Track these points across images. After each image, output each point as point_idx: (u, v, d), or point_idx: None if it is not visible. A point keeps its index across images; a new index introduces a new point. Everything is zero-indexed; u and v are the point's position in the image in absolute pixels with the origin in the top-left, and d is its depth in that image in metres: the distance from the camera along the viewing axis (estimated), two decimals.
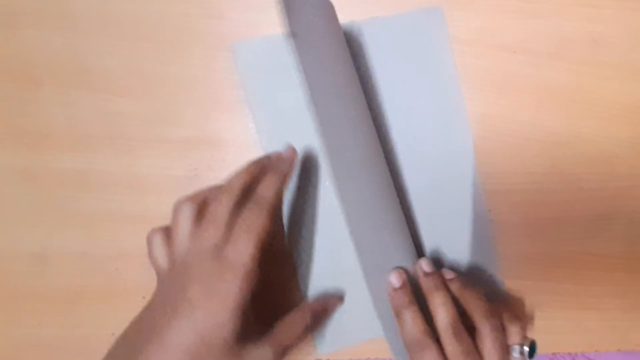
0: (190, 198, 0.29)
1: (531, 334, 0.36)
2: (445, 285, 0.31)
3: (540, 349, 0.36)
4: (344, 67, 0.32)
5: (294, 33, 0.29)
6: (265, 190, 0.29)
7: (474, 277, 0.35)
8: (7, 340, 0.37)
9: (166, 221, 0.36)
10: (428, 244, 0.35)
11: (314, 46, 0.31)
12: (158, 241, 0.30)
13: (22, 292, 0.37)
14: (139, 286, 0.37)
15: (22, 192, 0.36)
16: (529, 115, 0.34)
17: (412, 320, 0.29)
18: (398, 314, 0.30)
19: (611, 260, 0.35)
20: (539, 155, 0.34)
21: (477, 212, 0.35)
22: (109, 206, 0.36)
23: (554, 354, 0.37)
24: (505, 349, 0.29)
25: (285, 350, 0.28)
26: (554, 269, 0.35)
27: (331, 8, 0.32)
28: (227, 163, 0.36)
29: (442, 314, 0.29)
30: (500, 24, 0.34)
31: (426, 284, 0.31)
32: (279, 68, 0.34)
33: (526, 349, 0.29)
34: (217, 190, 0.29)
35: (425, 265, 0.32)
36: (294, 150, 0.32)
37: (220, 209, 0.28)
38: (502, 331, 0.29)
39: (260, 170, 0.30)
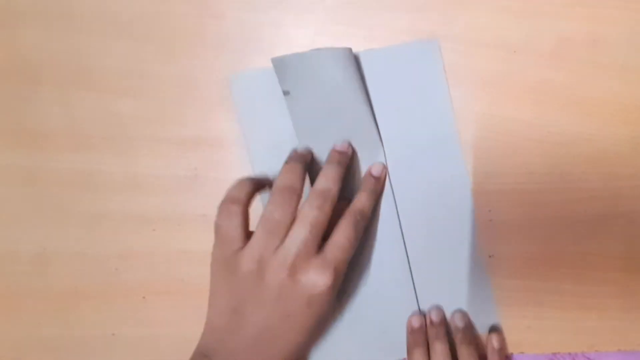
0: (289, 193, 0.29)
1: (531, 334, 0.36)
2: (446, 336, 0.34)
3: (540, 349, 0.37)
4: (347, 117, 0.33)
5: (286, 92, 0.32)
6: (365, 205, 0.32)
7: (462, 306, 0.36)
8: (7, 340, 0.37)
9: (166, 221, 0.36)
10: (422, 276, 0.35)
11: (310, 102, 0.33)
12: (238, 215, 0.30)
13: (22, 292, 0.37)
14: (139, 286, 0.37)
15: (22, 192, 0.36)
16: (530, 115, 0.34)
17: (441, 353, 0.33)
18: (410, 350, 0.34)
19: (611, 260, 0.35)
20: (539, 155, 0.34)
21: (472, 244, 0.35)
22: (109, 206, 0.36)
23: (554, 354, 0.37)
24: None
25: (337, 266, 0.29)
26: (554, 269, 0.35)
27: (345, 56, 0.32)
28: (227, 163, 0.36)
29: None
30: (500, 24, 0.34)
31: (430, 332, 0.35)
32: (275, 100, 0.34)
33: None
34: (315, 199, 0.29)
35: (434, 315, 0.35)
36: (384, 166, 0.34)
37: (320, 216, 0.29)
38: None
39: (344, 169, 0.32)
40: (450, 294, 0.36)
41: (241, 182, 0.31)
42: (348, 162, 0.33)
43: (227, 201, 0.30)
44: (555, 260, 0.35)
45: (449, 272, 0.35)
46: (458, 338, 0.34)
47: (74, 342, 0.37)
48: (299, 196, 0.30)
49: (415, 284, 0.36)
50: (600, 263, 0.35)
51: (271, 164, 0.35)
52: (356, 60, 0.33)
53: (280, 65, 0.32)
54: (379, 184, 0.34)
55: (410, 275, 0.35)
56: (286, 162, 0.32)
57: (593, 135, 0.34)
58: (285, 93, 0.32)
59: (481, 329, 0.36)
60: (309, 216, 0.28)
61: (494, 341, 0.35)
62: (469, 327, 0.35)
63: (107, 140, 0.36)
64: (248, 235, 0.30)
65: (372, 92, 0.34)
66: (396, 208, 0.35)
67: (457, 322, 0.35)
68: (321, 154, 0.34)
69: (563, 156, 0.34)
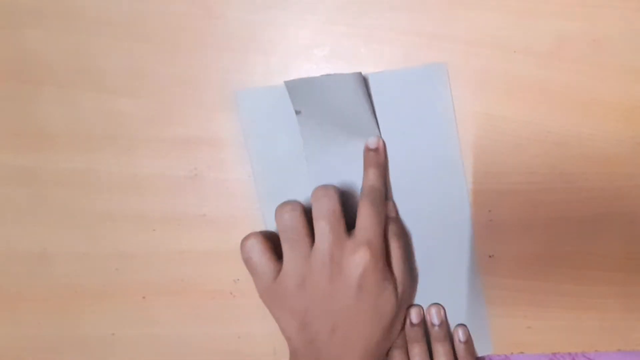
0: (290, 204, 0.30)
1: (531, 334, 0.36)
2: (449, 337, 0.35)
3: (540, 349, 0.37)
4: (355, 137, 0.34)
5: (298, 111, 0.33)
6: (373, 180, 0.32)
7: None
8: (7, 340, 0.37)
9: (166, 221, 0.36)
10: (419, 292, 0.36)
11: (320, 122, 0.33)
12: (258, 247, 0.31)
13: (22, 292, 0.37)
14: (139, 286, 0.37)
15: (22, 192, 0.36)
16: (530, 115, 0.34)
17: (419, 355, 0.34)
18: (410, 346, 0.34)
19: (611, 260, 0.35)
20: (539, 155, 0.34)
21: (470, 269, 0.35)
22: (109, 206, 0.36)
23: (554, 354, 0.37)
24: None
25: (370, 243, 0.29)
26: (554, 269, 0.35)
27: (355, 81, 0.32)
28: (227, 163, 0.36)
29: None
30: (500, 24, 0.34)
31: (433, 334, 0.35)
32: (282, 117, 0.34)
33: None
34: (319, 192, 0.30)
35: (435, 317, 0.35)
36: (379, 138, 0.34)
37: (329, 203, 0.30)
38: None
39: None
40: (446, 296, 0.36)
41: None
42: None
43: (244, 238, 0.31)
44: (555, 260, 0.35)
45: (445, 292, 0.36)
46: (433, 335, 0.35)
47: (74, 342, 0.37)
48: (302, 205, 0.30)
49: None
50: (600, 263, 0.35)
51: (274, 181, 0.35)
52: (365, 82, 0.33)
53: (293, 87, 0.32)
54: (379, 156, 0.34)
55: None
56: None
57: (593, 135, 0.34)
58: (297, 112, 0.33)
59: (472, 329, 0.36)
60: (321, 208, 0.29)
61: (460, 334, 0.35)
62: (444, 324, 0.35)
63: (107, 140, 0.36)
64: (276, 253, 0.31)
65: (379, 113, 0.34)
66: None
67: (434, 319, 0.35)
68: (328, 170, 0.34)
69: (563, 156, 0.34)
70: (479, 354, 0.36)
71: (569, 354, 0.37)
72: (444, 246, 0.35)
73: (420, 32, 0.34)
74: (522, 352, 0.37)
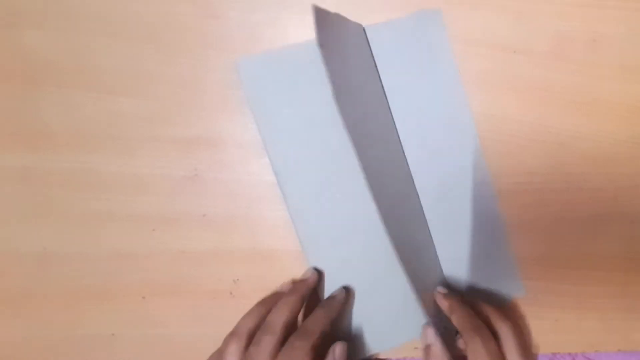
0: (237, 334, 0.31)
1: (531, 334, 0.36)
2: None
3: (540, 349, 0.37)
4: (368, 81, 0.33)
5: (322, 44, 0.31)
6: (313, 324, 0.32)
7: (487, 279, 0.35)
8: (7, 340, 0.37)
9: (166, 221, 0.36)
10: (439, 246, 0.35)
11: (340, 58, 0.32)
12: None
13: (23, 292, 0.37)
14: (139, 286, 0.37)
15: (22, 192, 0.36)
16: (530, 115, 0.34)
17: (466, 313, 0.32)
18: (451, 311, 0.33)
19: (611, 260, 0.35)
20: (540, 155, 0.34)
21: (489, 209, 0.35)
22: (109, 206, 0.36)
23: (554, 354, 0.37)
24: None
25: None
26: (554, 269, 0.35)
27: (359, 30, 0.32)
28: (227, 163, 0.36)
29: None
30: (500, 24, 0.34)
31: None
32: (284, 82, 0.34)
33: None
34: (262, 329, 0.31)
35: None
36: (314, 274, 0.35)
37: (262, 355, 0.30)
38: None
39: (299, 301, 0.33)
40: (468, 260, 0.35)
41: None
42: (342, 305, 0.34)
43: (227, 342, 0.32)
44: (556, 260, 0.35)
45: (466, 240, 0.35)
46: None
47: (74, 342, 0.37)
48: (279, 341, 0.30)
49: (441, 261, 0.36)
50: (600, 263, 0.35)
51: (285, 147, 0.35)
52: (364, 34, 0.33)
53: (320, 16, 0.30)
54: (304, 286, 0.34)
55: (435, 252, 0.35)
56: (287, 293, 0.33)
57: (593, 135, 0.34)
58: (321, 46, 0.30)
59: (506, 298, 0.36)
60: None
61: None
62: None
63: (107, 140, 0.36)
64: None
65: (380, 65, 0.34)
66: (414, 184, 0.35)
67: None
68: (352, 112, 0.32)
69: (563, 156, 0.34)
70: (512, 296, 0.36)
71: (569, 354, 0.37)
72: (459, 196, 0.35)
73: None
74: None
